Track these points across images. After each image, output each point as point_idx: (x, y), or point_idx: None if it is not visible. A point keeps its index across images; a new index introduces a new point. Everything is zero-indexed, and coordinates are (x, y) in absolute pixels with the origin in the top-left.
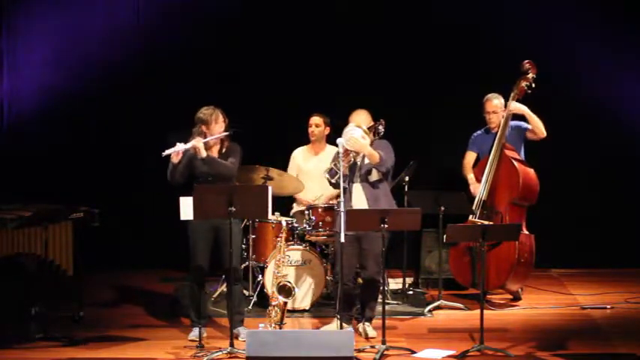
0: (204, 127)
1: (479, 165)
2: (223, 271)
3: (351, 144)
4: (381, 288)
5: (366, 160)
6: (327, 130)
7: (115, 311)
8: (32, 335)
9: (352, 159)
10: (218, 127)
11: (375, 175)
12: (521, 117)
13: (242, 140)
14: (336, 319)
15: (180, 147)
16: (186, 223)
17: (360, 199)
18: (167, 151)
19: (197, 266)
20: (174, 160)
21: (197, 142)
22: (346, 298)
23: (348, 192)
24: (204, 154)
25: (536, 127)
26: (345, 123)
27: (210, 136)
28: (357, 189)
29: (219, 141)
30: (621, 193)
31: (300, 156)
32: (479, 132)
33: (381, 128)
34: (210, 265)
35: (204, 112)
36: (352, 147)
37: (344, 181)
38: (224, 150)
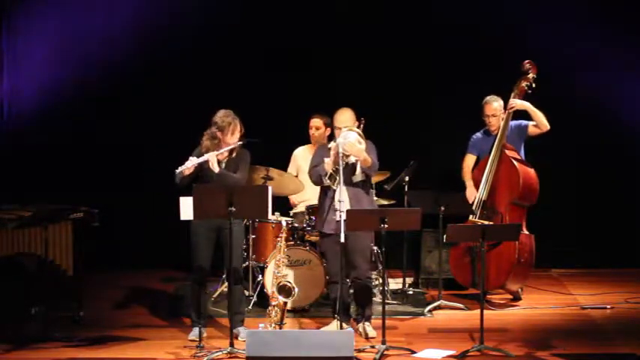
0: (219, 134)
1: (479, 165)
2: (225, 272)
3: (347, 148)
4: (381, 288)
5: (352, 159)
6: (328, 131)
7: (115, 311)
8: (32, 335)
9: (344, 162)
10: (233, 138)
11: (359, 177)
12: (522, 115)
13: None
14: (335, 320)
15: (193, 161)
16: (188, 223)
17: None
18: (181, 168)
19: (199, 266)
20: (186, 172)
21: (210, 157)
22: (342, 298)
23: (331, 192)
24: (217, 169)
25: (540, 121)
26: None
27: (224, 145)
28: (342, 190)
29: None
30: (621, 193)
31: (300, 156)
32: (478, 134)
33: (360, 127)
34: (211, 265)
35: (224, 118)
36: (349, 151)
37: (331, 182)
38: (234, 155)
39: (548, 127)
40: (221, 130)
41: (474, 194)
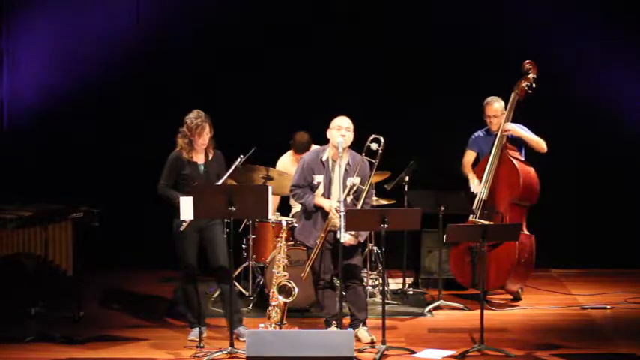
0: (188, 133)
1: (479, 165)
2: (214, 272)
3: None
4: (381, 288)
5: (352, 183)
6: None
7: (115, 311)
8: (32, 335)
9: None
10: (202, 140)
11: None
12: (522, 115)
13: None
14: (334, 322)
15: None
16: (172, 226)
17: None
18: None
19: (187, 265)
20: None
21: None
22: (329, 300)
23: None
24: None
25: (535, 147)
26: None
27: (197, 146)
28: (340, 191)
29: (203, 149)
30: (621, 193)
31: (282, 167)
32: (479, 133)
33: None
34: (200, 264)
35: (193, 120)
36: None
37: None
38: (210, 157)
39: (545, 149)
40: (190, 131)
41: (479, 186)
